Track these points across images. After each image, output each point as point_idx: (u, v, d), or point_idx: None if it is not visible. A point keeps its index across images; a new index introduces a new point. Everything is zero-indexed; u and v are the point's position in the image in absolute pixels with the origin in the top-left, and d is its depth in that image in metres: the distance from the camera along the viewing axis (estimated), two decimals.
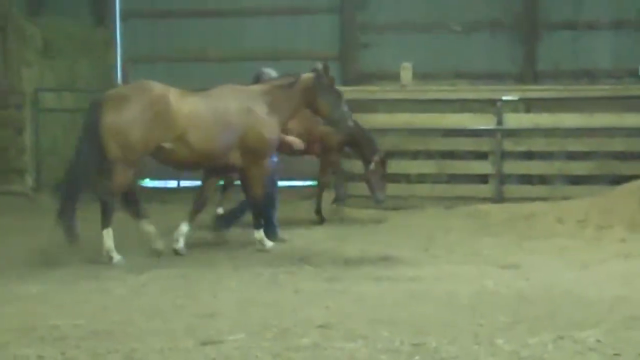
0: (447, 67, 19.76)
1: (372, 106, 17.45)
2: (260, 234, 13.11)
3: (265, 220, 13.38)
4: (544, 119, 16.85)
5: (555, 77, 19.70)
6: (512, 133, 16.99)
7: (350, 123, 13.59)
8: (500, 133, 16.82)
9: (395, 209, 16.26)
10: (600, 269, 11.64)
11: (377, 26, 20.30)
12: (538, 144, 16.86)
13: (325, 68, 13.01)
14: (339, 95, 13.08)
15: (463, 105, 17.33)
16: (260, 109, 12.77)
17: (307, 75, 12.96)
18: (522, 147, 16.93)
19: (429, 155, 17.08)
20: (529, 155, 17.01)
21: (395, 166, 16.62)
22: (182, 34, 21.03)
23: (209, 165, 12.99)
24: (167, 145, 12.27)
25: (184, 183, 19.14)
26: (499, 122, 16.81)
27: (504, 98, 17.00)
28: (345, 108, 13.14)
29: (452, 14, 20.12)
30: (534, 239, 13.83)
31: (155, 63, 21.31)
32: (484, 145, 17.08)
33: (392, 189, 16.32)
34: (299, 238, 14.00)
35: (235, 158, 12.76)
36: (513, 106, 17.11)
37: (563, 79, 19.24)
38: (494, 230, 14.57)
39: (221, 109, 12.66)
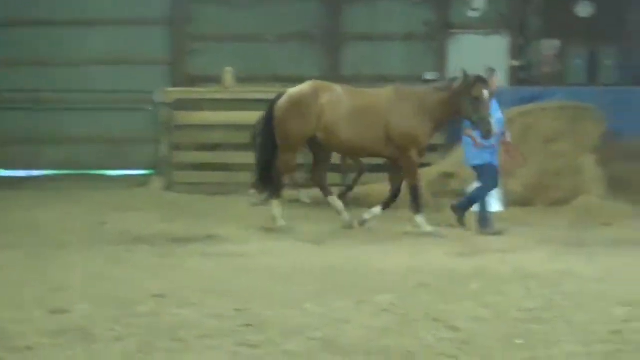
0: (264, 71, 19.87)
1: (198, 105, 17.51)
2: (420, 218, 12.62)
3: (480, 207, 12.89)
4: None
5: (357, 81, 19.99)
6: None
7: (492, 126, 12.18)
8: None
9: (219, 194, 16.27)
10: (393, 244, 11.98)
11: (203, 36, 20.22)
12: None
13: (490, 71, 12.68)
14: (481, 99, 12.10)
15: None
16: (408, 108, 12.56)
17: (459, 79, 12.34)
18: None
19: (249, 147, 17.15)
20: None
21: (219, 157, 16.73)
22: (31, 41, 20.41)
23: (362, 155, 13.69)
24: (319, 135, 12.65)
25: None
26: None
27: None
28: (487, 112, 12.18)
29: (268, 27, 20.21)
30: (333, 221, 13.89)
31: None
32: None
33: (216, 177, 16.43)
34: (133, 220, 13.72)
35: (384, 149, 12.70)
36: None
37: (363, 83, 19.58)
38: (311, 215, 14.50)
39: (368, 106, 12.73)
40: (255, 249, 11.46)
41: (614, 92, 16.77)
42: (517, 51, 19.40)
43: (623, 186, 14.41)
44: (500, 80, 14.13)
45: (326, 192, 13.27)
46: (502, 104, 14.68)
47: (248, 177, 15.34)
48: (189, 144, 17.51)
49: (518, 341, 7.23)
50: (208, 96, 17.84)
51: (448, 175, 14.73)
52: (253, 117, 15.02)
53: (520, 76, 19.14)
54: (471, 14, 19.78)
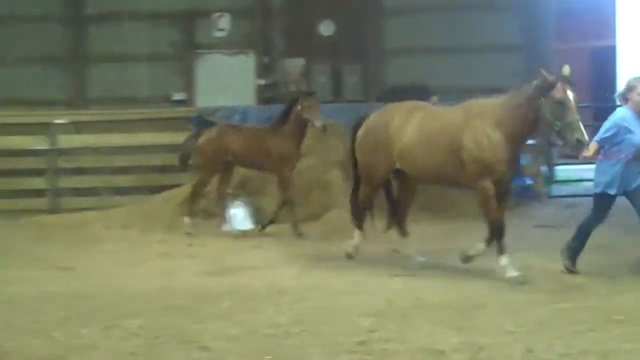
0: (4, 94, 19.24)
1: None
2: (504, 260, 10.34)
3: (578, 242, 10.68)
4: (93, 139, 16.88)
5: (104, 103, 19.69)
6: (65, 152, 16.90)
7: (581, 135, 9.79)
8: (54, 152, 16.73)
9: None
10: (144, 266, 11.85)
11: None
12: (88, 161, 16.87)
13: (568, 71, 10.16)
14: (564, 103, 9.81)
15: (21, 129, 17.00)
16: (482, 124, 10.31)
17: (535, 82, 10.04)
18: (74, 164, 16.86)
19: None
20: (80, 171, 16.92)
21: None
22: None
23: (441, 183, 11.59)
24: (398, 166, 11.14)
25: None
26: (53, 143, 16.69)
27: (57, 121, 16.90)
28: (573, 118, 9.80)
29: (8, 49, 19.59)
30: (86, 244, 13.74)
31: None
32: (40, 163, 16.86)
33: None
34: None
35: (459, 176, 10.55)
36: (65, 128, 17.01)
37: (110, 105, 19.29)
38: (52, 238, 14.28)
39: (439, 127, 10.72)
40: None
41: (359, 108, 17.26)
42: (263, 70, 19.68)
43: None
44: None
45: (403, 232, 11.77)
46: (250, 123, 14.98)
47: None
48: None
49: (267, 357, 7.31)
50: None
51: (198, 195, 14.67)
52: None
53: (267, 95, 19.42)
54: (217, 34, 19.92)
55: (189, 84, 19.78)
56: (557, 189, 17.90)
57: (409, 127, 10.88)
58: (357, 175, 11.76)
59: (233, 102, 17.80)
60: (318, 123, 13.53)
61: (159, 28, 19.85)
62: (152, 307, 9.15)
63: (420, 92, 18.08)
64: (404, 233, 11.68)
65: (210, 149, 14.19)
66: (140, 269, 11.67)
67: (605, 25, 22.87)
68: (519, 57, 19.31)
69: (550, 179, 17.19)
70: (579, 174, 18.69)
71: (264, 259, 12.16)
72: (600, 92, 23.04)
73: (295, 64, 19.59)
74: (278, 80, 19.66)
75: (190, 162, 14.72)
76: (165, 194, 15.63)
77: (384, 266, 11.33)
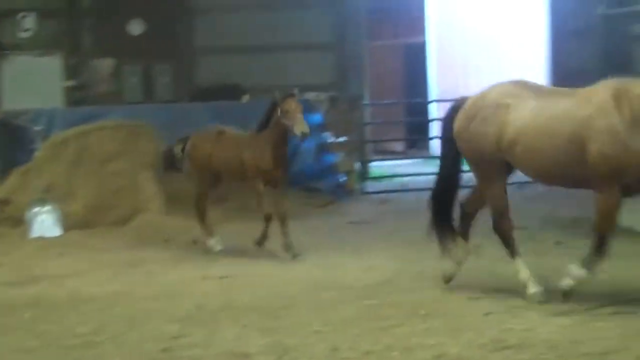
0: None
1: None
2: (581, 272, 8.76)
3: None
4: None
5: None
6: None
7: None
8: None
9: None
10: None
11: None
12: None
13: None
14: None
15: None
16: (607, 116, 8.46)
17: None
18: None
19: None
20: None
21: None
22: None
23: (556, 182, 9.33)
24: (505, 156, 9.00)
25: None
26: None
27: None
28: None
29: None
30: None
31: None
32: None
33: None
34: None
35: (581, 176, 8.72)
36: None
37: None
38: None
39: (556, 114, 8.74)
40: None
41: (171, 109, 17.07)
42: (71, 71, 19.17)
43: (183, 202, 14.61)
44: None
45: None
46: (58, 126, 14.47)
47: None
48: None
49: None
50: None
51: (3, 202, 14.16)
52: None
53: (76, 96, 18.95)
54: (22, 34, 19.29)
55: None
56: (370, 186, 18.13)
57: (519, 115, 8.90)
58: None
59: (41, 105, 17.23)
60: (297, 130, 11.26)
61: None
62: None
63: (232, 92, 18.10)
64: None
65: (196, 156, 12.53)
66: None
67: (416, 23, 23.43)
68: (331, 55, 19.51)
69: (363, 176, 17.39)
70: (392, 170, 19.10)
71: (70, 266, 11.73)
72: (412, 88, 23.69)
73: (104, 65, 19.18)
74: (87, 81, 19.19)
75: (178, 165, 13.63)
76: None
77: (198, 269, 11.19)
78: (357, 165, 17.63)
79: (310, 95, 17.45)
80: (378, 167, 19.23)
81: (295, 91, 11.42)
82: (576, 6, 18.25)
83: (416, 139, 23.46)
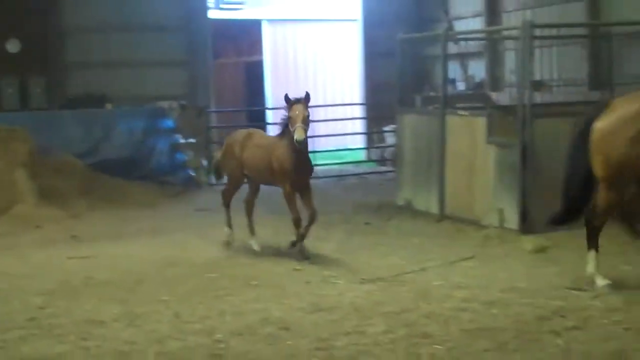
0: None
1: None
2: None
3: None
4: None
5: None
6: None
7: None
8: None
9: None
10: None
11: None
12: None
13: None
14: None
15: None
16: None
17: None
18: None
19: None
20: None
21: None
22: None
23: None
24: None
25: None
26: None
27: None
28: None
29: None
30: None
31: None
32: None
33: None
34: None
35: None
36: None
37: None
38: None
39: None
40: None
41: (43, 116, 16.59)
42: None
43: (54, 194, 14.18)
44: None
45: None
46: None
47: None
48: None
49: None
50: None
51: None
52: None
53: None
54: None
55: None
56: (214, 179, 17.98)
57: None
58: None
59: None
60: (296, 135, 9.38)
61: None
62: None
63: (97, 101, 17.67)
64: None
65: (226, 156, 10.82)
66: None
67: (255, 45, 23.49)
68: (183, 70, 19.35)
69: (209, 171, 17.26)
70: None
71: None
72: (252, 97, 23.74)
73: None
74: None
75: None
76: None
77: (64, 250, 10.86)
78: (203, 162, 17.51)
79: (164, 104, 17.26)
80: None
81: (306, 96, 9.62)
82: (383, 32, 18.69)
83: None
